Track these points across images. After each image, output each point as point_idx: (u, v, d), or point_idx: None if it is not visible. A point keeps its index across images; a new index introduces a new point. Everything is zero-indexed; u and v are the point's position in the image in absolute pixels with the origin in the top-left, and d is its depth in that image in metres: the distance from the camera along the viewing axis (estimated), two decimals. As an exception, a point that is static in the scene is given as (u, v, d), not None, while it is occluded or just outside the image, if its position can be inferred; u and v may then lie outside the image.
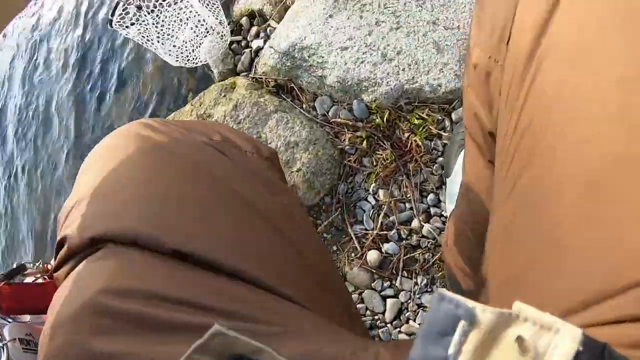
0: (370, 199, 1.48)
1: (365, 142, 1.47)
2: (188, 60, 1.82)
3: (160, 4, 1.70)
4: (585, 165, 0.32)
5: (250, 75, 1.67)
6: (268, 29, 1.87)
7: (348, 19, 1.52)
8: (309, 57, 1.52)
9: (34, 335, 0.59)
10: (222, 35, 1.84)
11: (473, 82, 0.52)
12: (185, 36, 1.76)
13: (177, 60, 1.81)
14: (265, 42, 1.85)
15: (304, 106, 1.56)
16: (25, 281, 0.66)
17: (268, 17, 1.88)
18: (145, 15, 1.66)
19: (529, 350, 0.21)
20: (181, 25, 1.75)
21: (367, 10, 1.53)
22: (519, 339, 0.22)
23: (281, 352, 0.31)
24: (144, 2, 1.62)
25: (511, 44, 0.42)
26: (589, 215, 0.32)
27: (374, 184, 1.46)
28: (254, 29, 1.91)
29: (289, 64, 1.55)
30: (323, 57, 1.50)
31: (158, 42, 1.75)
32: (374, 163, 1.48)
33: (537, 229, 0.37)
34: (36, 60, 2.54)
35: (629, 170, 0.29)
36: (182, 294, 0.43)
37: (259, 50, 1.85)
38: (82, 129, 2.18)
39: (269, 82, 1.60)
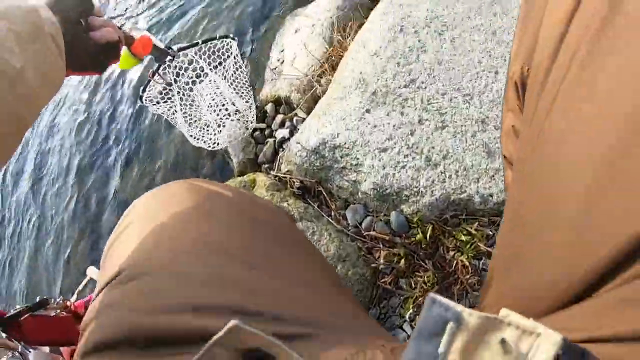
0: (407, 327, 1.23)
1: (403, 260, 1.23)
2: (209, 142, 1.65)
3: (189, 83, 1.55)
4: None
5: (272, 172, 1.46)
6: (295, 119, 1.69)
7: (387, 115, 1.33)
8: (341, 157, 1.32)
9: None
10: (246, 120, 1.67)
11: (510, 97, 0.55)
12: (209, 117, 1.60)
13: (197, 140, 1.65)
14: (291, 133, 1.67)
15: (332, 214, 1.34)
16: (46, 314, 0.71)
17: (295, 105, 1.71)
18: (174, 94, 1.52)
19: (510, 352, 0.25)
20: (208, 105, 1.60)
21: (409, 106, 1.34)
22: (503, 341, 0.25)
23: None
24: (174, 80, 1.47)
25: (537, 50, 0.45)
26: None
27: (411, 311, 1.21)
28: (279, 117, 1.74)
29: (318, 163, 1.35)
30: (358, 158, 1.30)
31: (184, 119, 1.61)
32: (413, 285, 1.24)
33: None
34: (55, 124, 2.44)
35: None
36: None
37: (283, 141, 1.67)
38: (90, 199, 2.02)
39: (293, 182, 1.39)
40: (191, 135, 1.65)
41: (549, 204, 0.38)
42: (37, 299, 0.71)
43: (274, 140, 1.69)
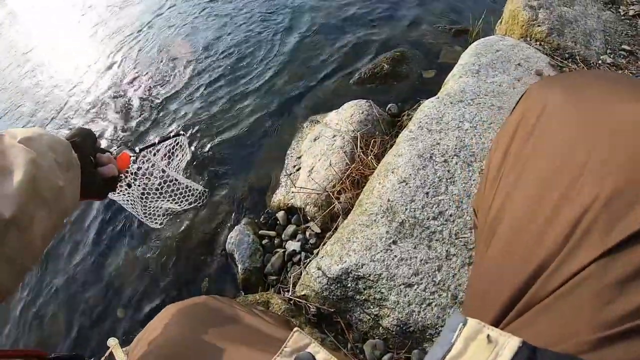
0: None
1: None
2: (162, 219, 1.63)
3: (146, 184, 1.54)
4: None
5: (287, 294, 1.37)
6: (308, 232, 1.63)
7: (415, 248, 1.28)
8: (364, 289, 1.25)
9: None
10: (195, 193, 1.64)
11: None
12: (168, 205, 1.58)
13: (155, 223, 1.60)
14: (302, 246, 1.60)
15: (349, 346, 1.25)
16: None
17: (310, 218, 1.65)
18: (133, 190, 1.50)
19: (491, 342, 0.39)
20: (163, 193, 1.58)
21: (437, 240, 1.29)
22: (488, 337, 0.39)
23: None
24: (134, 181, 1.46)
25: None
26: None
27: None
28: (291, 228, 1.68)
29: (338, 293, 1.28)
30: (383, 292, 1.23)
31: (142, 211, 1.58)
32: None
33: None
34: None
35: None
36: None
37: (293, 254, 1.60)
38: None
39: (309, 308, 1.30)
40: (150, 220, 1.60)
41: (491, 249, 0.59)
42: (74, 353, 0.79)
43: (284, 252, 1.62)
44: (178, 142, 1.57)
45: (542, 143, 0.58)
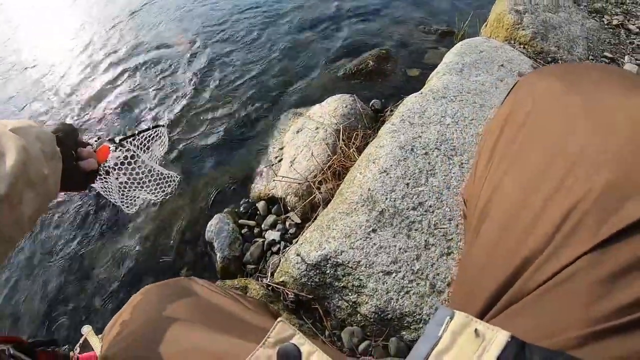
0: None
1: (401, 394, 1.13)
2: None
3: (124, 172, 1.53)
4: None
5: (265, 280, 1.36)
6: (288, 222, 1.62)
7: (394, 237, 1.28)
8: (343, 276, 1.25)
9: None
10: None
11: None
12: (144, 194, 1.57)
13: (131, 209, 1.59)
14: (282, 236, 1.59)
15: (327, 333, 1.25)
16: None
17: (290, 208, 1.64)
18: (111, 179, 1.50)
19: (479, 336, 0.38)
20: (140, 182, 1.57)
21: (416, 230, 1.29)
22: (476, 331, 0.39)
23: None
24: (113, 170, 1.45)
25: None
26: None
27: None
28: (271, 218, 1.67)
29: (317, 279, 1.27)
30: (361, 280, 1.23)
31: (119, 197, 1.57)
32: None
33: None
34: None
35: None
36: None
37: (273, 243, 1.59)
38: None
39: (287, 294, 1.29)
40: (127, 207, 1.60)
41: (478, 240, 0.58)
42: (50, 338, 0.76)
43: (263, 242, 1.61)
44: (158, 133, 1.58)
45: (533, 134, 0.57)
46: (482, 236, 0.58)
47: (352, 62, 2.35)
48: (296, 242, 1.51)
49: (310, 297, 1.28)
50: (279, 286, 1.32)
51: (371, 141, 1.71)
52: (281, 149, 1.86)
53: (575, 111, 0.53)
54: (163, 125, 1.59)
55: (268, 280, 1.36)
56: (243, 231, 1.67)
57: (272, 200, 1.73)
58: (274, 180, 1.72)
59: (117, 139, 1.37)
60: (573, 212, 0.45)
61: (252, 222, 1.69)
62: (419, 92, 1.74)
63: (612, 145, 0.46)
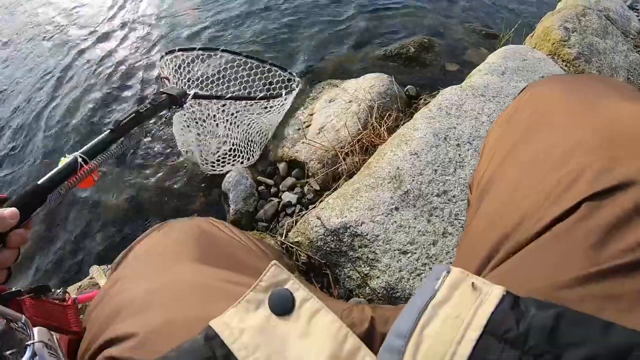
0: None
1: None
2: (213, 166, 1.58)
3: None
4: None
5: (280, 238, 1.36)
6: (306, 187, 1.62)
7: (415, 218, 1.28)
8: (359, 247, 1.25)
9: (53, 342, 0.60)
10: (249, 157, 1.60)
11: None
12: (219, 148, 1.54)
13: (204, 166, 1.56)
14: (299, 200, 1.59)
15: (331, 300, 1.24)
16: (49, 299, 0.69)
17: (311, 174, 1.64)
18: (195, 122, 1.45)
19: (476, 289, 0.38)
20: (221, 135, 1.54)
21: (437, 216, 1.30)
22: (473, 285, 0.39)
23: None
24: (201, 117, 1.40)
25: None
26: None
27: None
28: (289, 180, 1.66)
29: (333, 245, 1.27)
30: (376, 254, 1.23)
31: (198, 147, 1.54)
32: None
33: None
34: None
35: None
36: None
37: (288, 205, 1.58)
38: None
39: (299, 255, 1.29)
40: (202, 162, 1.56)
41: (478, 213, 0.59)
42: (39, 284, 0.70)
43: (279, 202, 1.61)
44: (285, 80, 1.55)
45: (536, 128, 0.59)
46: (482, 209, 0.59)
47: (393, 45, 2.33)
48: (315, 206, 1.51)
49: (323, 261, 1.28)
50: (293, 246, 1.32)
51: (402, 123, 1.71)
52: (311, 114, 1.85)
53: (578, 112, 0.55)
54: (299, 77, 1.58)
55: (283, 238, 1.36)
56: (260, 188, 1.67)
57: (293, 163, 1.72)
58: (302, 143, 1.71)
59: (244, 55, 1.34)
60: (572, 173, 0.47)
61: (270, 181, 1.69)
62: (459, 85, 1.73)
63: (614, 137, 0.48)
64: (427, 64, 2.22)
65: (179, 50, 1.43)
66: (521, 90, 0.72)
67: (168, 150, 1.91)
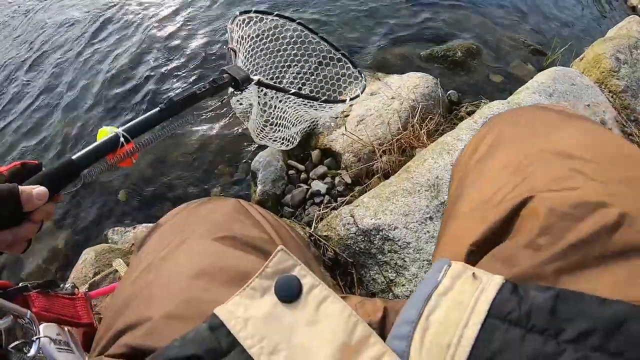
0: None
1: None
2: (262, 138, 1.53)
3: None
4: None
5: (309, 229, 1.34)
6: (337, 179, 1.59)
7: (448, 232, 1.25)
8: (388, 252, 1.23)
9: (64, 335, 0.61)
10: (290, 142, 1.55)
11: None
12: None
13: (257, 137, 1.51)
14: (328, 190, 1.56)
15: (352, 300, 1.23)
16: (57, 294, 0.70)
17: (344, 166, 1.61)
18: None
19: (477, 279, 0.40)
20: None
21: (469, 233, 1.27)
22: (474, 274, 0.41)
23: None
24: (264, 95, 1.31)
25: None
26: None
27: None
28: (321, 168, 1.64)
29: (362, 246, 1.25)
30: (405, 261, 1.21)
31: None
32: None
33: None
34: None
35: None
36: None
37: (317, 194, 1.56)
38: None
39: (327, 250, 1.27)
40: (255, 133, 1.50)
41: (466, 202, 0.61)
42: (45, 280, 0.69)
43: (307, 189, 1.58)
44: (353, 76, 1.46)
45: (497, 149, 0.64)
46: (457, 213, 0.63)
47: (440, 46, 2.28)
48: (344, 200, 1.48)
49: (350, 260, 1.26)
50: (321, 239, 1.29)
51: (442, 129, 1.67)
52: (351, 105, 1.81)
53: (518, 139, 0.63)
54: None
55: (312, 229, 1.34)
56: (290, 172, 1.64)
57: (328, 152, 1.69)
58: (341, 134, 1.67)
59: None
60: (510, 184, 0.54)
61: (301, 166, 1.66)
62: (506, 100, 1.69)
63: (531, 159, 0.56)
64: (472, 70, 2.17)
65: (255, 11, 1.32)
66: (486, 121, 0.75)
67: (198, 124, 1.88)
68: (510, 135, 0.65)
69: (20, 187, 0.56)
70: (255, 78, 1.06)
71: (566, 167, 0.51)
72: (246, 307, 0.45)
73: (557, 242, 0.43)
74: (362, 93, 1.38)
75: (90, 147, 0.71)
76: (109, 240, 1.49)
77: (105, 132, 0.75)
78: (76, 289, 0.75)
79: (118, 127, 0.76)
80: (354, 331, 0.42)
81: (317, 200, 1.55)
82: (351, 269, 1.26)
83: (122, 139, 0.74)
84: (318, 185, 1.57)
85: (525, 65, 2.27)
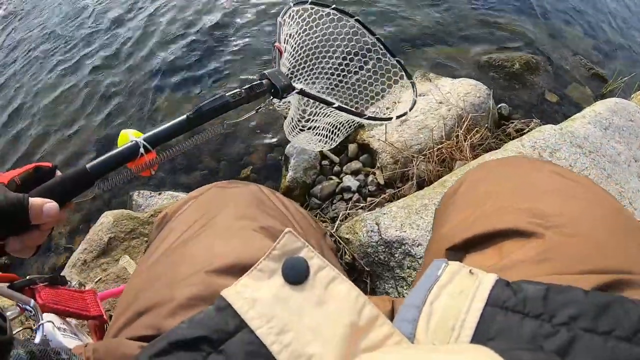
0: None
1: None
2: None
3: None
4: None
5: (330, 229, 1.31)
6: (370, 178, 1.55)
7: (472, 258, 1.21)
8: (407, 267, 1.19)
9: (68, 325, 0.64)
10: (329, 143, 1.51)
11: None
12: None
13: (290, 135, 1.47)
14: (359, 188, 1.53)
15: (362, 308, 1.21)
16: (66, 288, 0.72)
17: (379, 165, 1.56)
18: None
19: (474, 275, 0.42)
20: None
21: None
22: (471, 271, 0.43)
23: None
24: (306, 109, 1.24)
25: None
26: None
27: None
28: (356, 164, 1.60)
29: (382, 257, 1.22)
30: (423, 280, 1.17)
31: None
32: None
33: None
34: None
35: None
36: None
37: (347, 190, 1.53)
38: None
39: (345, 253, 1.25)
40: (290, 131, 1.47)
41: (456, 214, 0.65)
42: (52, 274, 0.71)
43: (338, 183, 1.55)
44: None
45: (473, 191, 0.68)
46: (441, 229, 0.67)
47: (498, 55, 2.19)
48: (374, 201, 1.45)
49: (367, 269, 1.23)
50: (341, 242, 1.27)
51: (487, 144, 1.61)
52: (395, 102, 1.75)
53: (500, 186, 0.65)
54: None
55: (334, 230, 1.31)
56: (323, 162, 1.61)
57: (364, 148, 1.65)
58: (383, 135, 1.62)
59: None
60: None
61: (336, 158, 1.63)
62: (559, 126, 1.61)
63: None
64: (527, 85, 2.08)
65: (311, 2, 1.22)
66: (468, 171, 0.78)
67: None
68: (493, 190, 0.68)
69: (30, 199, 0.54)
70: (298, 87, 0.98)
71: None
72: (254, 289, 0.45)
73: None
74: (410, 111, 1.29)
75: (107, 155, 0.67)
76: (133, 202, 1.49)
77: (126, 137, 0.70)
78: (83, 287, 0.79)
79: (139, 133, 0.72)
80: (362, 311, 0.43)
81: (346, 196, 1.51)
82: (366, 277, 1.23)
83: (142, 149, 0.69)
84: (350, 181, 1.54)
85: (583, 88, 2.17)
